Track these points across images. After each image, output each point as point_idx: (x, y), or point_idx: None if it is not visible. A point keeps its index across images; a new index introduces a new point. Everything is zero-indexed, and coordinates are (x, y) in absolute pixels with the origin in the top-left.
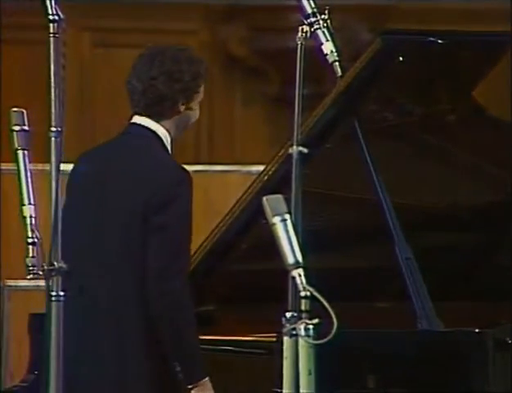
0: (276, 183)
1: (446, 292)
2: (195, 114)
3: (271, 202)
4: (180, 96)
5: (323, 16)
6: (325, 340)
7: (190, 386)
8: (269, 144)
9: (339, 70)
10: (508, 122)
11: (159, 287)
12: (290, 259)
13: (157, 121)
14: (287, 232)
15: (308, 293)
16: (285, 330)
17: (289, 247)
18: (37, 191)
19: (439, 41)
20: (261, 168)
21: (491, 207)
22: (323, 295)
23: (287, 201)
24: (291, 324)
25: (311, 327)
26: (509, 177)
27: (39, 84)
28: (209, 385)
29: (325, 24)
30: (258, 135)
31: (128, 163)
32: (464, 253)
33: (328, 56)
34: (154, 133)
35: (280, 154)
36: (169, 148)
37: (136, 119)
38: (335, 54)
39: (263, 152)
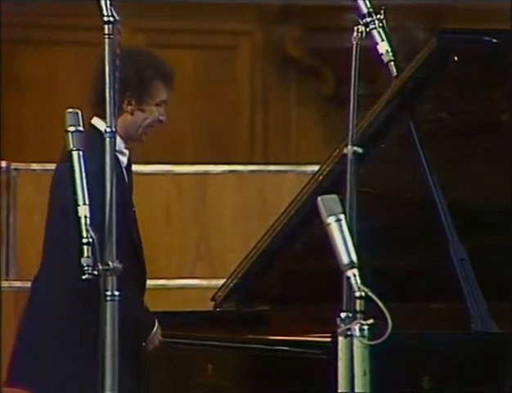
0: (331, 183)
1: (501, 293)
2: (150, 116)
3: (326, 202)
4: (123, 96)
5: (379, 16)
6: (380, 340)
7: None
8: (324, 144)
9: (394, 69)
10: None
11: None
12: (345, 260)
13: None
14: (342, 232)
15: (363, 293)
16: (339, 330)
17: (344, 247)
18: None
19: (494, 40)
20: (316, 168)
21: None
22: (378, 296)
23: (342, 201)
24: (346, 325)
25: (366, 327)
26: None
27: None
28: None
29: (380, 24)
30: (312, 135)
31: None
32: None
33: (383, 56)
34: (97, 130)
35: (335, 154)
36: (118, 150)
37: (93, 120)
38: (391, 54)
39: (318, 152)
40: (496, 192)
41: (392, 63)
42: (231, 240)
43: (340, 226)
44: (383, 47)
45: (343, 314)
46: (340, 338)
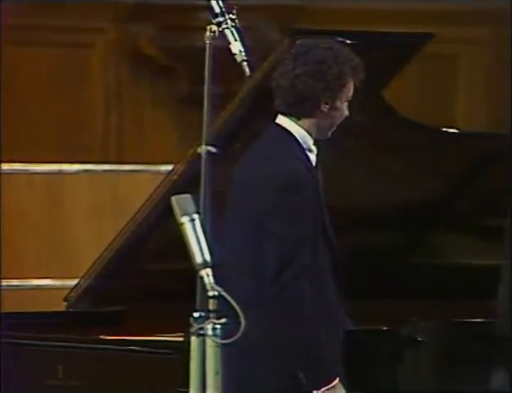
0: (186, 183)
1: (366, 291)
2: (341, 113)
3: (180, 202)
4: (323, 95)
5: (231, 16)
6: (233, 339)
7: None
8: (178, 143)
9: (247, 69)
10: (418, 123)
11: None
12: (198, 259)
13: (297, 120)
14: (195, 231)
15: (216, 293)
16: (192, 329)
17: (198, 247)
18: None
19: (348, 41)
20: (170, 167)
21: (408, 208)
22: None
23: (196, 200)
24: (199, 324)
25: (218, 326)
26: (424, 177)
27: None
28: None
29: (233, 24)
30: (167, 134)
31: (251, 169)
32: (381, 253)
33: (236, 56)
34: (290, 134)
35: (189, 153)
36: (308, 148)
37: (279, 119)
38: (243, 54)
39: (173, 152)
40: (356, 193)
41: (246, 63)
42: (84, 239)
43: (194, 226)
44: (235, 46)
45: (196, 313)
46: (193, 337)
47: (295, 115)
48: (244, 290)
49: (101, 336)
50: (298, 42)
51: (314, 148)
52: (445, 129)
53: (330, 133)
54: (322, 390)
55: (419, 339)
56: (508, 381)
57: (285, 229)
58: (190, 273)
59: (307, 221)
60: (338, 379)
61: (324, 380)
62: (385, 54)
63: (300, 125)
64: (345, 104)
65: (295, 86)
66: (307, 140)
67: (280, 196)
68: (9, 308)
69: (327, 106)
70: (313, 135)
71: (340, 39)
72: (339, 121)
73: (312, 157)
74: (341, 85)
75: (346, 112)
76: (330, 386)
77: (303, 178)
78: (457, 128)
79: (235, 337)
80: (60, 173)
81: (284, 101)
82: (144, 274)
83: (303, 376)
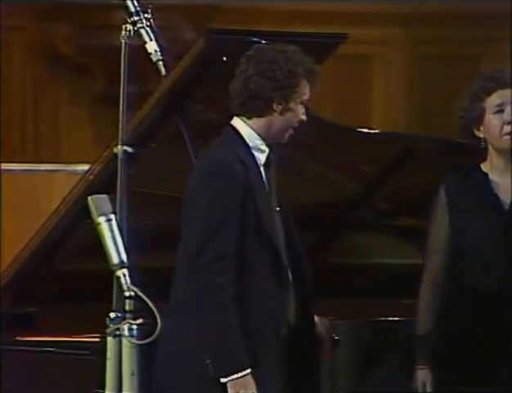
0: (102, 183)
1: None
2: (296, 115)
3: (97, 202)
4: (274, 95)
5: (146, 15)
6: (149, 340)
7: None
8: (95, 143)
9: (162, 69)
10: (333, 122)
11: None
12: (115, 260)
13: (248, 120)
14: (112, 231)
15: (133, 293)
16: (108, 330)
17: (114, 247)
18: None
19: (263, 41)
20: (87, 167)
21: (324, 207)
22: (148, 296)
23: (112, 200)
24: (115, 324)
25: (135, 327)
26: (340, 177)
27: None
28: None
29: (148, 23)
30: (84, 134)
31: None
32: None
33: (152, 56)
34: (238, 133)
35: (105, 153)
36: (255, 147)
37: (233, 120)
38: (159, 53)
39: (90, 151)
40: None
41: (161, 62)
42: (4, 239)
43: (110, 226)
44: (151, 46)
45: (112, 314)
46: (109, 338)
47: (247, 115)
48: (175, 285)
49: (17, 338)
50: (255, 46)
51: (264, 148)
52: (360, 129)
53: (286, 136)
54: (229, 378)
55: (337, 338)
56: (429, 380)
57: (202, 213)
58: (107, 273)
59: (225, 209)
60: (248, 371)
61: (231, 368)
62: None
63: (249, 125)
64: (300, 106)
65: (247, 86)
66: (254, 139)
67: (203, 182)
68: None
69: (280, 107)
70: (265, 135)
71: (255, 39)
72: (295, 124)
73: (260, 156)
74: (293, 85)
75: (303, 116)
76: (237, 375)
77: (230, 170)
78: (373, 129)
79: (151, 338)
80: None
81: (237, 102)
82: (61, 274)
83: (209, 362)
